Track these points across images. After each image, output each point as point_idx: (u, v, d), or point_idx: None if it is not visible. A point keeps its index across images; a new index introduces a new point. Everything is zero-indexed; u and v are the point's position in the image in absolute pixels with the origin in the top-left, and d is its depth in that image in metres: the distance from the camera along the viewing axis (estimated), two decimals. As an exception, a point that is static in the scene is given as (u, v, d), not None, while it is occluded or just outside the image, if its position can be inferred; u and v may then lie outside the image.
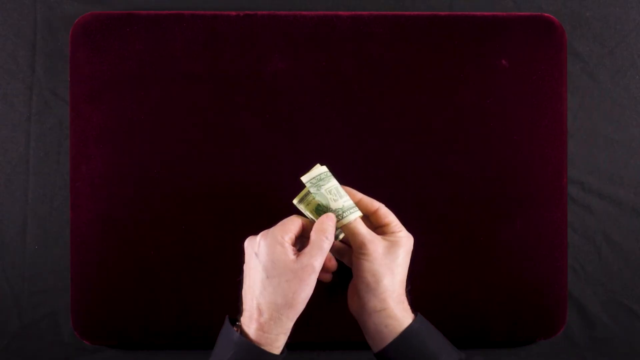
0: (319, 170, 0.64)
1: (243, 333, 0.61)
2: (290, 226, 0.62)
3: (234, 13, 0.76)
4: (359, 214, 0.64)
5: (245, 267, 0.63)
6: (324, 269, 0.66)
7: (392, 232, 0.65)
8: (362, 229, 0.63)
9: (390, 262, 0.63)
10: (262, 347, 0.59)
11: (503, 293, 0.76)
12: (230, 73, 0.75)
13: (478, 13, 0.76)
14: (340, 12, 0.76)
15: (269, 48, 0.75)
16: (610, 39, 0.79)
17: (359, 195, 0.66)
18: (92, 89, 0.75)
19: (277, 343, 0.60)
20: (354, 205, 0.64)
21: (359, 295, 0.63)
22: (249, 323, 0.60)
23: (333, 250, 0.69)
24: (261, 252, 0.60)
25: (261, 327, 0.59)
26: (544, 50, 0.76)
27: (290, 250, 0.60)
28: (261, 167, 0.75)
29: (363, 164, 0.76)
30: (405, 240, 0.64)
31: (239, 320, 0.62)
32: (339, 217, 0.63)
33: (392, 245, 0.63)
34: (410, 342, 0.61)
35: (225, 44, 0.75)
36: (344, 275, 0.77)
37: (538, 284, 0.76)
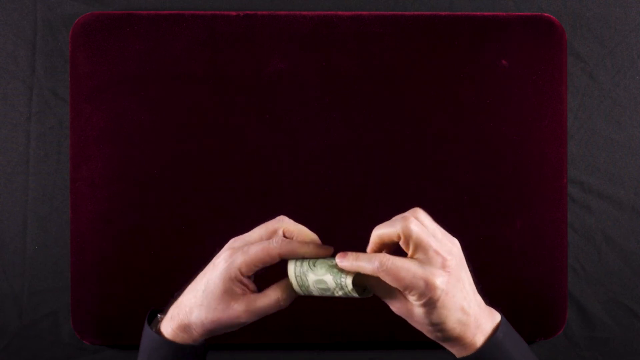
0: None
1: (160, 326, 0.59)
2: (260, 257, 0.55)
3: (234, 13, 0.76)
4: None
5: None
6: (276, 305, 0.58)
7: (429, 257, 0.53)
8: (407, 264, 0.52)
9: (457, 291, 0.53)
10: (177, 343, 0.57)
11: (503, 293, 0.76)
12: (230, 73, 0.75)
13: (478, 13, 0.76)
14: (340, 12, 0.76)
15: (269, 48, 0.75)
16: (610, 39, 0.79)
17: (378, 231, 0.55)
18: (92, 89, 0.75)
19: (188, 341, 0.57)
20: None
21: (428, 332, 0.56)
22: (174, 316, 0.58)
23: (383, 293, 0.56)
24: (216, 267, 0.56)
25: (183, 327, 0.57)
26: (544, 50, 0.76)
27: (241, 286, 0.55)
28: (261, 167, 0.75)
29: (363, 163, 0.76)
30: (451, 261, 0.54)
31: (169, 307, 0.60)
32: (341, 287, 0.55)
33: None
34: (494, 355, 0.55)
35: (225, 44, 0.75)
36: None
37: (538, 284, 0.76)
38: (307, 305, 0.75)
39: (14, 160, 0.77)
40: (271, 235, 0.57)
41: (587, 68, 0.79)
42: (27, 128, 0.77)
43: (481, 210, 0.76)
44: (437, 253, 0.53)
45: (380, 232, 0.55)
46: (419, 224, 0.54)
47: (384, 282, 0.54)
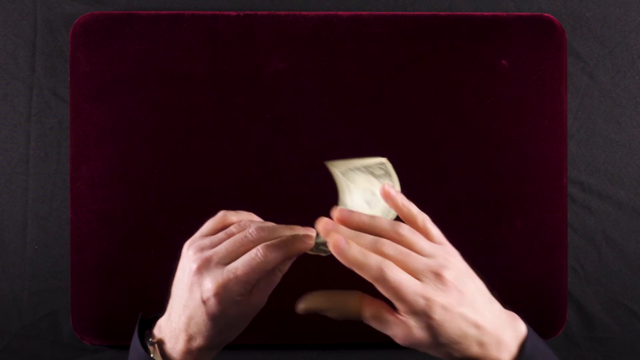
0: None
1: (165, 351, 0.54)
2: (254, 276, 0.50)
3: (234, 13, 0.76)
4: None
5: (178, 286, 0.54)
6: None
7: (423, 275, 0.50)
8: (409, 277, 0.49)
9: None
10: None
11: (503, 293, 0.76)
12: (230, 73, 0.75)
13: (478, 13, 0.76)
14: (340, 12, 0.76)
15: (269, 48, 0.75)
16: (610, 39, 0.79)
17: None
18: (92, 89, 0.75)
19: None
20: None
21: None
22: (176, 344, 0.53)
23: (380, 324, 0.52)
24: (212, 305, 0.51)
25: (192, 353, 0.53)
26: (544, 50, 0.76)
27: (247, 298, 0.52)
28: (261, 167, 0.75)
29: (363, 164, 0.76)
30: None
31: (155, 322, 0.56)
32: None
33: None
34: None
35: (225, 44, 0.75)
36: (343, 272, 0.76)
37: (538, 284, 0.76)
38: (307, 305, 0.75)
39: (14, 160, 0.77)
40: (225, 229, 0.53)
41: (587, 68, 0.79)
42: (27, 128, 0.77)
43: (481, 210, 0.76)
44: (429, 269, 0.49)
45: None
46: (391, 266, 0.48)
47: (383, 312, 0.50)
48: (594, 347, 0.79)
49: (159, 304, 0.76)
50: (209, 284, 0.50)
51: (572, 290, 0.79)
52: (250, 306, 0.53)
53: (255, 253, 0.50)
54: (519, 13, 0.77)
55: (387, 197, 0.55)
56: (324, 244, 0.52)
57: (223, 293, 0.50)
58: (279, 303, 0.76)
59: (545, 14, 0.77)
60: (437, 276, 0.49)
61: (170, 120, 0.75)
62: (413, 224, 0.53)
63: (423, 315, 0.48)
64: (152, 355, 0.54)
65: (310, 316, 0.76)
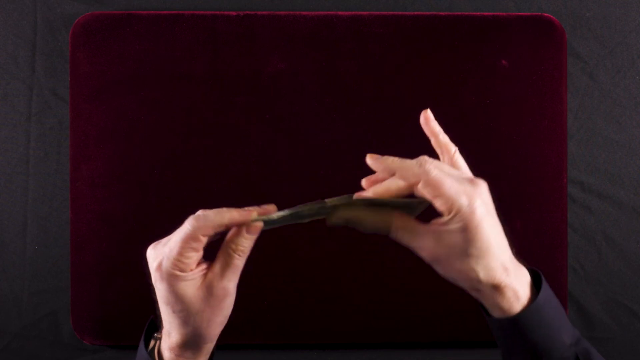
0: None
1: (160, 348, 0.55)
2: (187, 247, 0.50)
3: (234, 13, 0.76)
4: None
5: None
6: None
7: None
8: (449, 177, 0.48)
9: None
10: None
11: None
12: (230, 73, 0.75)
13: (478, 13, 0.76)
14: (340, 12, 0.76)
15: (269, 48, 0.75)
16: (610, 39, 0.79)
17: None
18: (92, 89, 0.75)
19: None
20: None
21: (464, 269, 0.48)
22: (165, 340, 0.54)
23: (408, 235, 0.51)
24: (159, 287, 0.51)
25: (173, 350, 0.53)
26: (544, 50, 0.76)
27: (196, 278, 0.51)
28: (261, 167, 0.75)
29: (363, 163, 0.76)
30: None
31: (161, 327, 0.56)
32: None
33: None
34: (535, 318, 0.50)
35: (225, 44, 0.75)
36: (342, 272, 0.77)
37: (538, 284, 0.76)
38: (306, 306, 0.76)
39: (14, 160, 0.77)
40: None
41: (587, 68, 0.79)
42: (27, 128, 0.77)
43: (481, 210, 0.76)
44: (463, 177, 0.49)
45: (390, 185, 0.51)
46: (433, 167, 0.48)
47: (413, 222, 0.50)
48: (593, 347, 0.79)
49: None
50: (153, 263, 0.52)
51: (572, 290, 0.79)
52: (211, 291, 0.51)
53: (185, 223, 0.51)
54: (519, 13, 0.77)
55: (427, 121, 0.57)
56: (273, 221, 0.51)
57: (162, 268, 0.51)
58: (279, 303, 0.76)
59: (545, 14, 0.77)
60: (473, 182, 0.48)
61: (170, 120, 0.75)
62: (445, 152, 0.56)
63: (464, 212, 0.47)
64: (149, 350, 0.55)
65: (310, 316, 0.76)
